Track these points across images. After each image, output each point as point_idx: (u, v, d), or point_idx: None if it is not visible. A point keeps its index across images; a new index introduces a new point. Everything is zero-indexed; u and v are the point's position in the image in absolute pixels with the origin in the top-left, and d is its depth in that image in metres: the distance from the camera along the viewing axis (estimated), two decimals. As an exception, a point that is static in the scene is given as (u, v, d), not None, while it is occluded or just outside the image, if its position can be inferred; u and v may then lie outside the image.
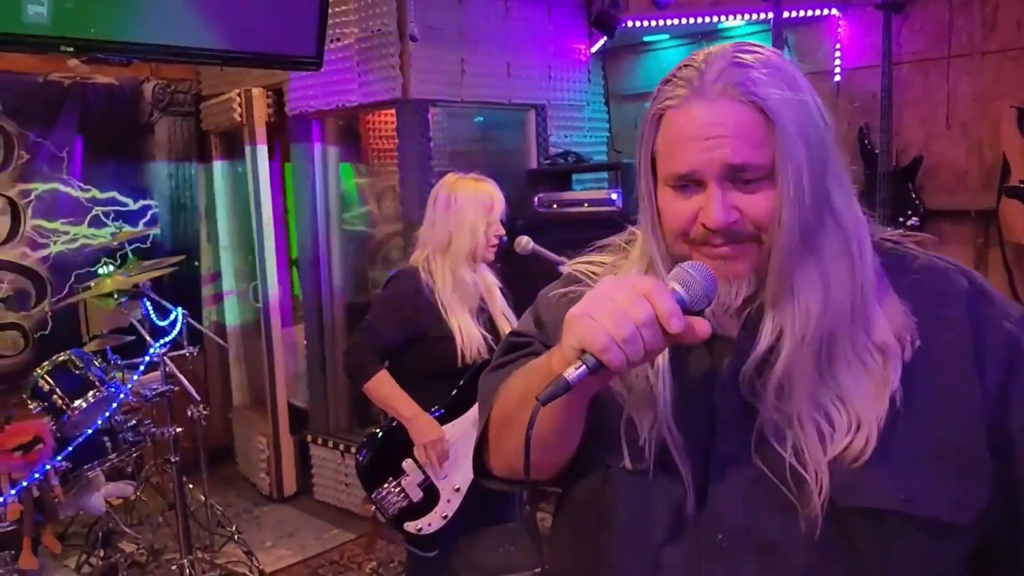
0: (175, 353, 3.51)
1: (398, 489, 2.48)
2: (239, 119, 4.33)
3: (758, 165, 0.84)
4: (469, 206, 2.47)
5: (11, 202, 4.25)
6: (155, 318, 3.68)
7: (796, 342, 0.85)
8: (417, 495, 2.47)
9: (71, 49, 2.61)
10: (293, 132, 4.27)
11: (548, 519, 1.10)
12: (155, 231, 4.78)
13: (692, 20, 4.05)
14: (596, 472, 0.96)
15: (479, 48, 3.91)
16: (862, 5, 3.69)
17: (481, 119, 4.38)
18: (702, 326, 0.80)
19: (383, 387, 2.48)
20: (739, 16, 3.99)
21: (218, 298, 5.04)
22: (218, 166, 4.92)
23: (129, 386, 3.18)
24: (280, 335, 4.46)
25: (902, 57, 3.64)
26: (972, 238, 3.56)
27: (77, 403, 3.02)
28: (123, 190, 4.66)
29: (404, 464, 2.48)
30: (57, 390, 3.04)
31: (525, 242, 2.51)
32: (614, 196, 3.72)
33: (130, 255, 4.48)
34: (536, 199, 3.95)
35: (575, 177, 4.30)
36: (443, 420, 2.48)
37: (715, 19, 4.02)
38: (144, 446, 3.41)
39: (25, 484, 2.67)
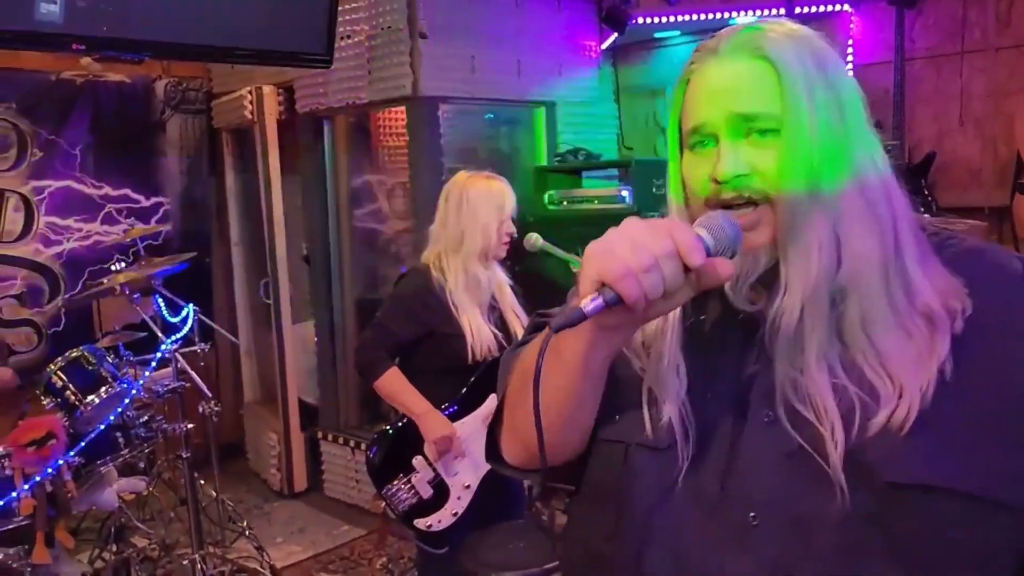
0: (186, 349, 3.53)
1: (408, 486, 2.48)
2: (250, 117, 4.34)
3: (767, 115, 0.85)
4: (481, 204, 2.47)
5: (25, 199, 4.28)
6: (167, 314, 3.70)
7: (798, 297, 0.83)
8: (427, 492, 2.48)
9: (83, 47, 2.63)
10: (303, 129, 4.28)
11: (559, 516, 1.10)
12: (167, 228, 4.81)
13: (703, 16, 4.03)
14: (615, 451, 0.93)
15: (489, 45, 3.90)
16: (874, 0, 3.67)
17: (491, 116, 4.38)
18: (725, 266, 0.79)
19: (393, 384, 2.49)
20: (751, 12, 3.97)
21: (229, 294, 5.06)
22: (229, 163, 4.94)
23: (141, 382, 3.20)
24: (291, 331, 4.48)
25: (915, 53, 3.62)
26: (985, 235, 3.53)
27: (90, 399, 3.03)
28: (135, 187, 4.68)
29: (414, 461, 2.48)
30: (70, 386, 3.05)
31: (534, 239, 2.52)
32: (624, 193, 3.71)
33: (142, 252, 4.50)
34: (546, 196, 3.95)
35: (585, 174, 4.29)
36: (454, 417, 2.48)
37: (726, 15, 4.00)
38: (156, 442, 3.43)
39: (38, 479, 2.68)
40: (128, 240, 4.33)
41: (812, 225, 0.84)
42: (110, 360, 3.27)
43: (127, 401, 3.12)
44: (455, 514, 2.48)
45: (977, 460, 0.79)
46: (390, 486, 2.50)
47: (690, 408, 0.88)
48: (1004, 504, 0.79)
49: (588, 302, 0.75)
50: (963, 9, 3.53)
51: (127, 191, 4.65)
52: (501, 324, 2.54)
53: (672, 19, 4.11)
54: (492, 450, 1.06)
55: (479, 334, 2.45)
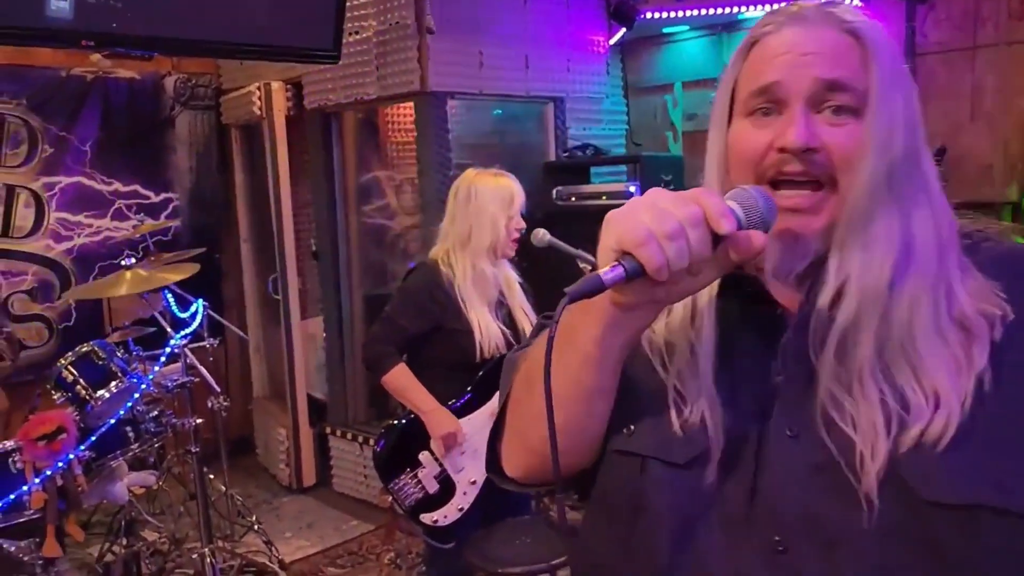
0: (196, 345, 3.55)
1: (415, 480, 2.49)
2: (259, 113, 4.35)
3: (852, 89, 0.78)
4: (489, 200, 2.47)
5: (35, 195, 4.30)
6: (176, 310, 3.71)
7: (861, 293, 0.77)
8: (433, 487, 2.49)
9: (92, 43, 2.63)
10: (312, 125, 4.29)
11: (567, 512, 1.05)
12: (176, 224, 4.83)
13: (712, 11, 4.01)
14: (629, 464, 0.85)
15: (497, 40, 3.90)
16: (885, -5, 3.64)
17: (499, 112, 4.37)
18: (758, 237, 0.72)
19: (401, 379, 2.49)
20: (760, 6, 3.94)
21: (238, 290, 5.08)
22: (238, 159, 4.95)
23: (151, 377, 3.21)
24: (299, 327, 4.49)
25: (926, 48, 3.59)
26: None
27: (100, 393, 3.05)
28: (145, 183, 4.70)
29: (421, 456, 2.49)
30: (80, 381, 3.07)
31: (542, 235, 2.51)
32: (632, 189, 3.70)
33: (152, 247, 4.52)
34: (554, 192, 3.94)
35: (593, 170, 4.28)
36: (460, 413, 2.49)
37: (735, 10, 3.98)
38: (165, 436, 3.45)
39: (49, 473, 2.70)
40: (138, 236, 4.36)
41: (883, 220, 0.78)
42: (120, 355, 3.29)
43: (137, 396, 3.14)
44: (461, 509, 2.49)
45: (1020, 476, 0.73)
46: (396, 480, 2.50)
47: (714, 411, 0.81)
48: None
49: (607, 271, 0.68)
50: (975, 3, 3.50)
51: (137, 187, 4.66)
52: (509, 321, 2.54)
53: (681, 14, 4.09)
54: (492, 461, 0.99)
55: (487, 331, 2.46)
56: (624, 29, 4.24)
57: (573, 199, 3.90)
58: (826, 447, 0.76)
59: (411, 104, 3.90)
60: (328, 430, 4.38)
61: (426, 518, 2.50)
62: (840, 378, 0.77)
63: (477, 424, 2.48)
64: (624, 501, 0.85)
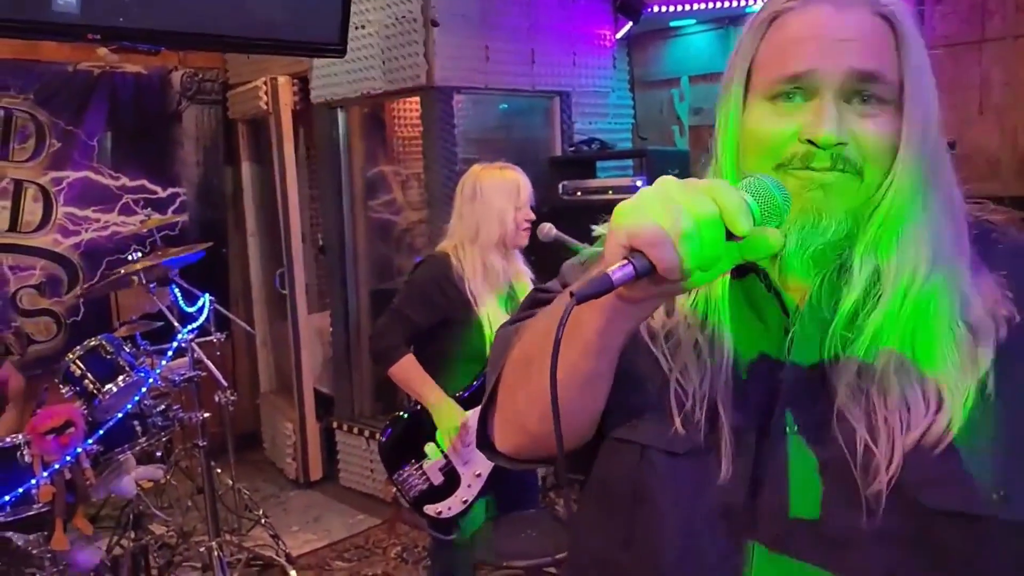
0: (203, 339, 3.56)
1: (419, 472, 2.50)
2: (265, 107, 4.35)
3: (887, 80, 0.75)
4: (495, 194, 2.47)
5: (43, 190, 4.32)
6: (183, 304, 3.72)
7: (897, 293, 0.74)
8: (438, 479, 2.49)
9: (99, 37, 2.64)
10: (318, 120, 4.29)
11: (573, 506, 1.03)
12: (183, 218, 4.84)
13: (719, 4, 4.00)
14: (628, 451, 0.84)
15: (503, 34, 3.89)
16: (893, -12, 3.62)
17: (505, 106, 4.37)
18: (774, 234, 0.69)
19: (408, 371, 2.50)
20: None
21: (245, 284, 5.09)
22: (245, 153, 4.96)
23: (158, 371, 3.23)
24: (306, 321, 4.50)
25: (933, 41, 3.57)
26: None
27: (108, 387, 3.06)
28: (152, 178, 4.72)
29: (426, 448, 2.50)
30: (88, 375, 3.08)
31: (548, 229, 2.51)
32: (639, 183, 3.70)
33: (159, 242, 4.54)
34: (560, 186, 3.94)
35: (599, 164, 4.28)
36: (468, 404, 2.49)
37: (742, 3, 3.97)
38: (173, 430, 3.46)
39: (57, 467, 2.71)
40: (145, 230, 4.38)
41: (913, 218, 0.76)
42: (127, 349, 3.30)
43: (144, 390, 3.15)
44: (465, 502, 2.49)
45: (1020, 483, 0.72)
46: (401, 471, 2.51)
47: (719, 404, 0.79)
48: None
49: (616, 269, 0.65)
50: (983, -4, 3.49)
51: (144, 181, 4.68)
52: (517, 314, 2.54)
53: (687, 7, 4.08)
54: (483, 437, 0.96)
55: (497, 324, 2.45)
56: (630, 23, 4.23)
57: (579, 194, 3.89)
58: (833, 445, 0.75)
59: (417, 99, 3.90)
60: (335, 424, 4.40)
61: (430, 510, 2.50)
62: (852, 375, 0.75)
63: (483, 417, 2.48)
64: (624, 490, 0.84)
